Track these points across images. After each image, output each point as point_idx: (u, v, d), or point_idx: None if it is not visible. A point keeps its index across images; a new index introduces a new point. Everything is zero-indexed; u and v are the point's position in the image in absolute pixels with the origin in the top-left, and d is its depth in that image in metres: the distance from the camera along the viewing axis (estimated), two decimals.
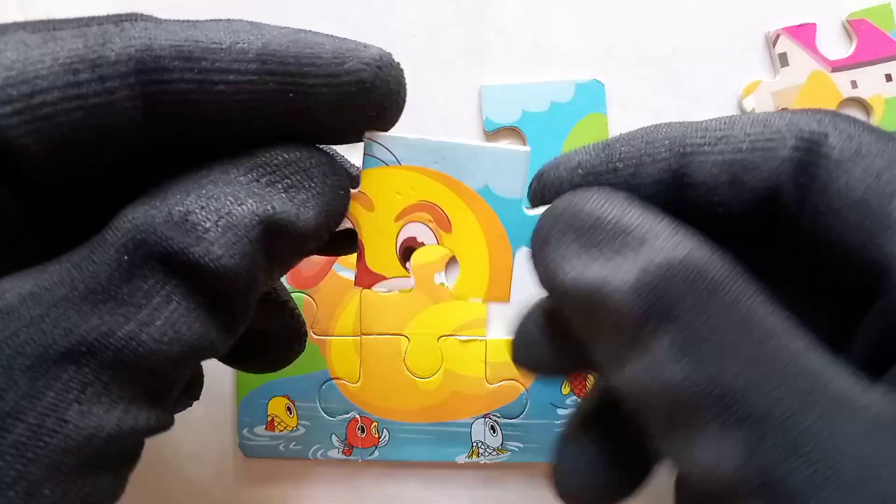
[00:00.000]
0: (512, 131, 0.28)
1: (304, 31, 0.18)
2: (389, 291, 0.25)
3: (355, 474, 0.28)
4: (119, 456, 0.16)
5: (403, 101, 0.19)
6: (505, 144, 0.22)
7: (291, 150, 0.17)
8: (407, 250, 0.20)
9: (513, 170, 0.21)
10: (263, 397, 0.28)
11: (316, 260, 0.28)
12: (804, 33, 0.27)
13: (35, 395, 0.14)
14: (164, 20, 0.17)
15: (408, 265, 0.21)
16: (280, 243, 0.17)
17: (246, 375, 0.28)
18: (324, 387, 0.28)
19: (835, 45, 0.28)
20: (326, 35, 0.18)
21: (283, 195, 0.17)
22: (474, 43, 0.28)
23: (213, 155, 0.17)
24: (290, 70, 0.17)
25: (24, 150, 0.15)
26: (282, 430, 0.28)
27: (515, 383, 0.28)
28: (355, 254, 0.23)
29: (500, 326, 0.28)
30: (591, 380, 0.27)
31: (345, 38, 0.18)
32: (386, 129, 0.20)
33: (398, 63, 0.18)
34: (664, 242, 0.15)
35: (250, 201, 0.16)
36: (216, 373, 0.29)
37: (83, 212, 0.18)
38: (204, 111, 0.16)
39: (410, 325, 0.28)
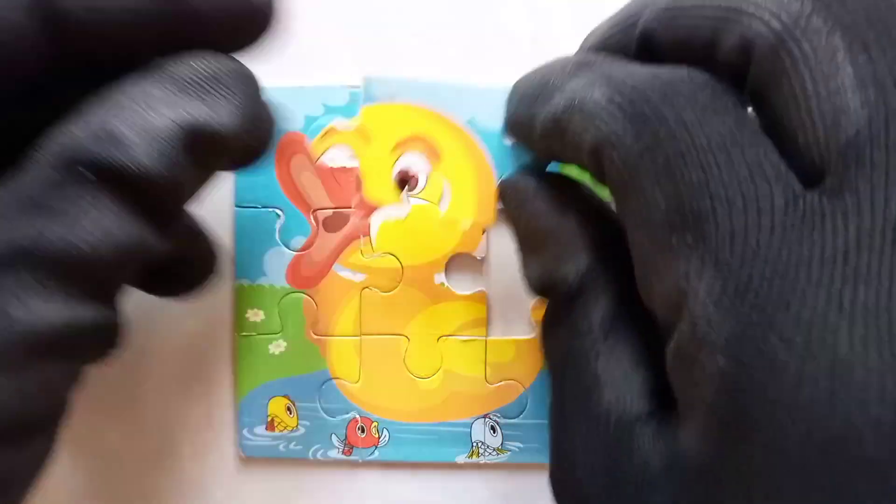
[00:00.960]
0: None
1: None
2: (386, 219, 0.26)
3: (355, 474, 0.28)
4: (67, 346, 0.17)
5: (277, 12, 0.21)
6: (487, 82, 0.24)
7: (199, 60, 0.19)
8: (402, 180, 0.25)
9: (494, 104, 0.23)
10: (263, 397, 0.28)
11: (316, 260, 0.28)
12: None
13: None
14: None
15: (402, 194, 0.25)
16: (201, 146, 0.18)
17: (245, 377, 0.28)
18: (324, 387, 0.28)
19: None
20: None
21: (197, 102, 0.18)
22: (474, 43, 0.28)
23: (120, 73, 0.19)
24: None
25: None
26: (282, 431, 0.28)
27: (515, 383, 0.28)
28: (355, 252, 0.26)
29: (501, 327, 0.28)
30: None
31: None
32: (261, 34, 0.21)
33: None
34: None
35: (167, 110, 0.18)
36: (216, 374, 0.29)
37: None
38: (96, 20, 0.18)
39: (410, 325, 0.28)
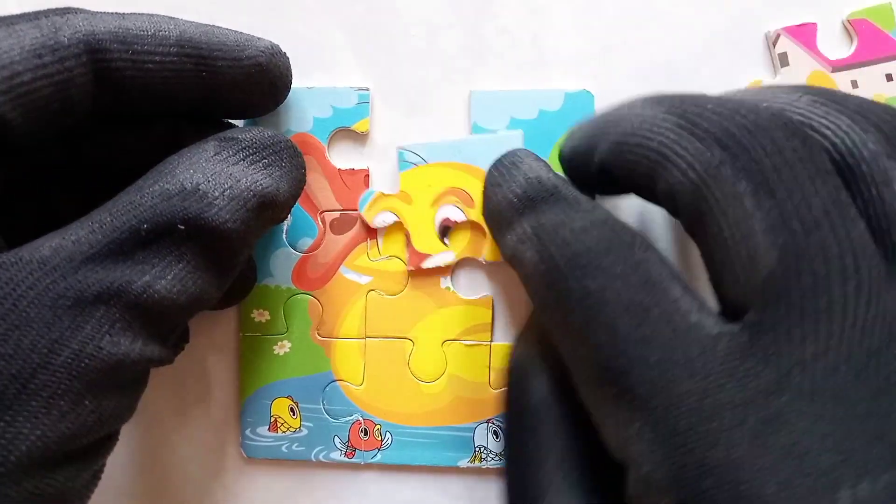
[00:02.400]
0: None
1: (212, 25, 0.22)
2: (437, 265, 0.28)
3: (357, 476, 0.28)
4: (135, 380, 0.20)
5: (290, 82, 0.25)
6: (502, 133, 0.27)
7: (265, 135, 0.22)
8: (444, 229, 0.27)
9: (511, 148, 0.25)
10: (267, 398, 0.28)
11: (322, 262, 0.28)
12: (804, 33, 0.27)
13: (76, 327, 0.17)
14: (98, 12, 0.21)
15: (446, 241, 0.27)
16: (266, 213, 0.21)
17: (249, 377, 0.28)
18: (327, 388, 0.28)
19: (835, 45, 0.28)
20: (229, 29, 0.22)
21: (264, 172, 0.21)
22: (474, 43, 0.28)
23: (153, 123, 0.23)
24: (202, 53, 0.21)
25: (10, 123, 0.19)
26: (285, 432, 0.28)
27: None
28: (361, 255, 0.27)
29: (505, 332, 0.28)
30: None
31: (242, 32, 0.23)
32: (276, 106, 0.25)
33: (285, 52, 0.24)
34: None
35: (245, 177, 0.20)
36: (219, 373, 0.29)
37: (47, 179, 0.23)
38: (138, 85, 0.21)
39: (415, 328, 0.28)
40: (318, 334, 0.28)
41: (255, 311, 0.28)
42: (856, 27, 0.27)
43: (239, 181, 0.20)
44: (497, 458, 0.28)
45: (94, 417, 0.18)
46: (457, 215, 0.27)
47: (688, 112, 0.18)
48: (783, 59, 0.27)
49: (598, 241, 0.19)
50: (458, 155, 0.27)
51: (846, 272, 0.16)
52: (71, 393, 0.17)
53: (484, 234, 0.27)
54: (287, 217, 0.24)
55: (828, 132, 0.18)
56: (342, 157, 0.28)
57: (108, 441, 0.20)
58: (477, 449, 0.28)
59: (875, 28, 0.27)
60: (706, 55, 0.28)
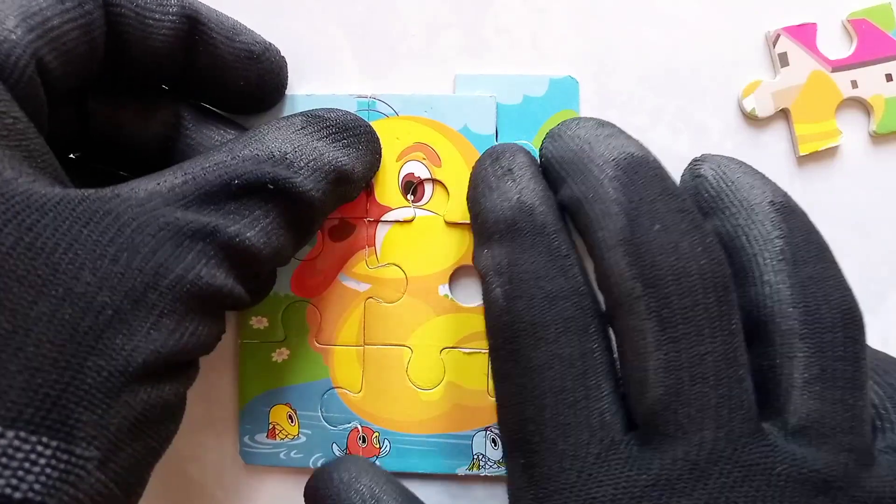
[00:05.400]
0: None
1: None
2: (396, 220, 0.28)
3: None
4: (222, 314, 0.21)
5: (284, 84, 0.26)
6: (477, 94, 0.28)
7: (348, 117, 0.24)
8: (407, 184, 0.28)
9: (484, 112, 0.27)
10: (265, 405, 0.28)
11: (321, 269, 0.28)
12: (804, 33, 0.27)
13: (179, 256, 0.19)
14: None
15: (409, 197, 0.28)
16: (341, 188, 0.23)
17: (248, 384, 0.28)
18: (326, 396, 0.28)
19: (835, 45, 0.28)
20: (234, 18, 0.24)
21: (344, 150, 0.23)
22: (474, 43, 0.28)
23: (155, 107, 0.24)
24: (200, 20, 0.22)
25: (48, 67, 0.20)
26: (283, 439, 0.28)
27: None
28: (360, 262, 0.27)
29: None
30: None
31: (246, 25, 0.24)
32: (267, 106, 0.27)
33: (282, 55, 0.25)
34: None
35: (328, 152, 0.23)
36: (218, 380, 0.29)
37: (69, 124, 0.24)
38: (138, 39, 0.22)
39: (413, 336, 0.28)
40: (317, 341, 0.28)
41: (253, 317, 0.28)
42: (856, 27, 0.27)
43: (322, 155, 0.22)
44: (496, 465, 0.28)
45: (193, 339, 0.19)
46: (421, 171, 0.27)
47: (637, 227, 0.20)
48: (783, 59, 0.27)
49: (559, 317, 0.20)
50: (431, 111, 0.27)
51: (720, 421, 0.18)
52: (175, 313, 0.19)
53: (447, 193, 0.27)
54: (358, 195, 0.27)
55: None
56: None
57: (194, 368, 0.22)
58: (475, 457, 0.28)
59: (875, 28, 0.27)
60: (706, 55, 0.28)
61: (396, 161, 0.27)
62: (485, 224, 0.22)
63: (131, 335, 0.18)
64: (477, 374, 0.28)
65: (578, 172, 0.21)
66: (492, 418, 0.28)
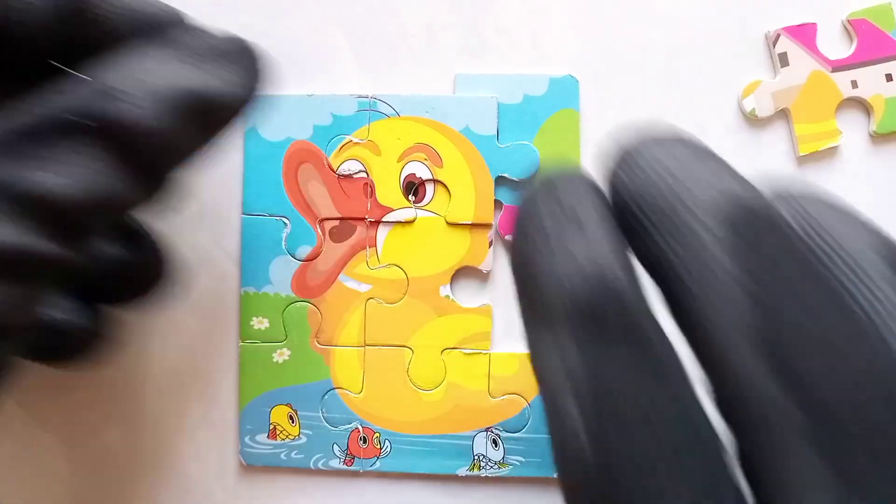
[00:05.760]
0: None
1: None
2: (398, 221, 0.28)
3: (356, 485, 0.28)
4: (22, 270, 0.18)
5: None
6: (477, 94, 0.27)
7: (204, 33, 0.20)
8: (409, 185, 0.28)
9: (486, 112, 0.27)
10: (266, 406, 0.28)
11: (321, 269, 0.28)
12: (804, 33, 0.27)
13: None
14: None
15: (410, 197, 0.28)
16: (203, 115, 0.19)
17: (249, 384, 0.28)
18: (326, 396, 0.28)
19: (835, 45, 0.28)
20: None
21: (199, 70, 0.19)
22: (474, 43, 0.28)
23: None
24: None
25: None
26: (283, 439, 0.28)
27: (518, 397, 0.28)
28: (361, 263, 0.27)
29: (505, 340, 0.28)
30: None
31: None
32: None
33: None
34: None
35: (169, 74, 0.19)
36: (219, 381, 0.29)
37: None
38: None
39: (414, 336, 0.28)
40: (318, 342, 0.28)
41: (254, 318, 0.28)
42: (856, 27, 0.27)
43: (163, 77, 0.18)
44: (496, 466, 0.28)
45: None
46: (423, 172, 0.27)
47: (772, 310, 0.14)
48: (783, 59, 0.27)
49: (676, 462, 0.13)
50: (431, 111, 0.27)
51: None
52: None
53: (448, 194, 0.27)
54: (234, 123, 0.21)
55: None
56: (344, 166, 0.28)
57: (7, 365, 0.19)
58: (476, 457, 0.28)
59: (875, 28, 0.27)
60: (706, 55, 0.28)
61: (398, 161, 0.27)
62: (544, 298, 0.15)
63: None
64: (478, 374, 0.28)
65: (669, 225, 0.15)
66: (492, 419, 0.28)
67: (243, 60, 0.20)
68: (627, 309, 0.14)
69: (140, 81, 0.18)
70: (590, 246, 0.15)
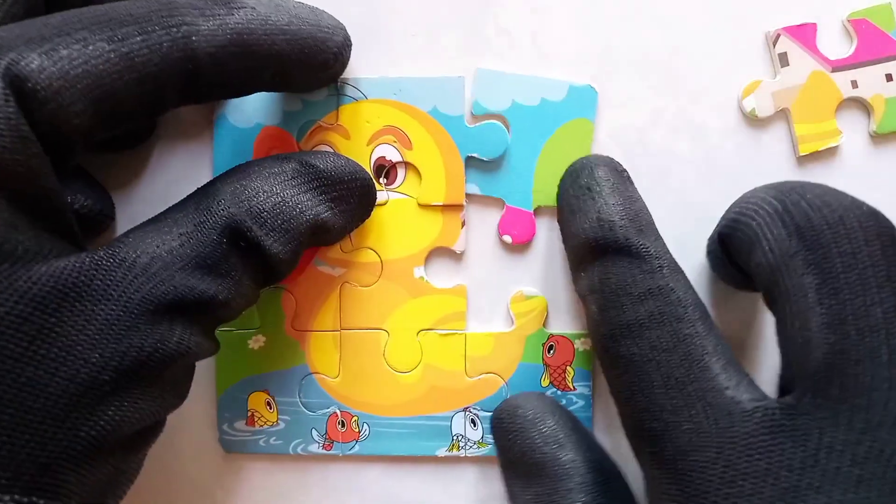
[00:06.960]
0: (498, 118, 0.28)
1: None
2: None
3: (336, 469, 0.28)
4: (191, 366, 0.23)
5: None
6: (444, 74, 0.27)
7: (344, 168, 0.23)
8: (379, 168, 0.28)
9: (453, 93, 0.27)
10: (243, 392, 0.28)
11: None
12: (804, 33, 0.27)
13: (171, 331, 0.20)
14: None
15: (381, 180, 0.28)
16: (318, 237, 0.23)
17: (225, 371, 0.28)
18: (303, 381, 0.28)
19: (835, 45, 0.28)
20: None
21: (329, 204, 0.23)
22: (474, 43, 0.28)
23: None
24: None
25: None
26: (262, 426, 0.28)
27: (495, 376, 0.28)
28: (334, 247, 0.27)
29: (479, 320, 0.28)
30: (569, 372, 0.27)
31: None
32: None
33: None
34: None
35: (311, 208, 0.22)
36: (196, 369, 0.28)
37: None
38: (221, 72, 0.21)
39: (390, 319, 0.28)
40: (293, 327, 0.28)
41: None
42: (856, 27, 0.27)
43: (303, 212, 0.22)
44: (476, 445, 0.28)
45: (174, 402, 0.22)
46: (393, 155, 0.27)
47: (788, 199, 0.20)
48: (783, 59, 0.28)
49: (651, 314, 0.21)
50: (400, 93, 0.27)
51: (892, 381, 0.17)
52: (160, 381, 0.20)
53: (419, 176, 0.27)
54: (338, 241, 0.27)
55: None
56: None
57: (162, 424, 0.22)
58: (455, 437, 0.28)
59: (875, 28, 0.27)
60: (706, 55, 0.28)
61: (367, 145, 0.27)
62: (574, 250, 0.24)
63: (121, 406, 0.19)
64: (454, 355, 0.28)
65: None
66: (470, 399, 0.28)
67: (358, 190, 0.24)
68: (619, 236, 0.22)
69: (288, 216, 0.22)
70: (597, 210, 0.23)
